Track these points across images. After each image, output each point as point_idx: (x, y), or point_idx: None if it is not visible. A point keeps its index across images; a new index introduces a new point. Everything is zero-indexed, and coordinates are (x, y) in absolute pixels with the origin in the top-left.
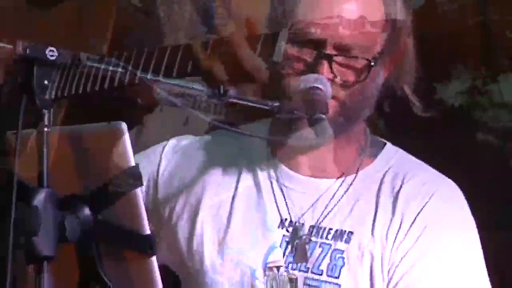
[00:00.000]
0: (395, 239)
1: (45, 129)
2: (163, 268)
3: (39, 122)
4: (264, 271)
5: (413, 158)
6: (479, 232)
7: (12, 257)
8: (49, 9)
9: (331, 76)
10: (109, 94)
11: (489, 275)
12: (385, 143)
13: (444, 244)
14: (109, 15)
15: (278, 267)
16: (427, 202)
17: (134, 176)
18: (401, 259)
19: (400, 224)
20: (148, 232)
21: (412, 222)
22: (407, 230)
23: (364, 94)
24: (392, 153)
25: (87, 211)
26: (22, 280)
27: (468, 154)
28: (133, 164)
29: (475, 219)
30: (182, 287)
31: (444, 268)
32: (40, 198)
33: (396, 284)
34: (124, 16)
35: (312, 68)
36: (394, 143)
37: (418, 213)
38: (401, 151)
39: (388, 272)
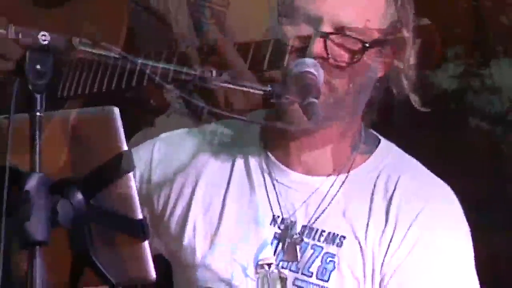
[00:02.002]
0: (389, 247)
1: (37, 113)
2: (156, 257)
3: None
4: (256, 268)
5: (408, 157)
6: (473, 219)
7: (4, 242)
8: (59, 7)
9: (325, 54)
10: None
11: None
12: (380, 140)
13: (438, 254)
14: (122, 16)
15: (269, 265)
16: (421, 210)
17: (126, 160)
18: (395, 270)
19: (394, 232)
20: (140, 216)
21: (407, 231)
22: (402, 239)
23: (355, 81)
24: (386, 152)
25: (79, 195)
26: (16, 266)
27: (460, 139)
28: (125, 148)
29: (467, 204)
30: (173, 278)
31: (438, 279)
32: (32, 183)
33: None
34: (136, 17)
35: (307, 45)
36: (385, 129)
37: (412, 221)
38: (395, 149)
39: (380, 282)
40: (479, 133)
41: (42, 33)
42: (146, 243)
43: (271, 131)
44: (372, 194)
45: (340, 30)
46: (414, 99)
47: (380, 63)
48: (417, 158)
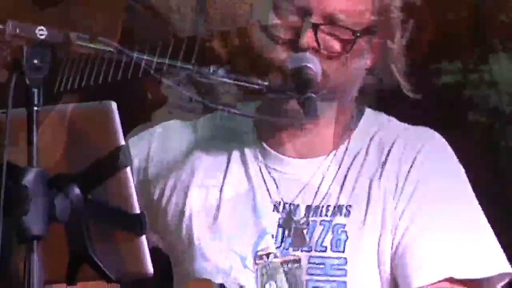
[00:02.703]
0: (394, 198)
1: (35, 108)
2: (154, 251)
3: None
4: (254, 259)
5: (392, 119)
6: None
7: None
8: (54, 7)
9: (316, 45)
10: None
11: None
12: (364, 109)
13: (439, 194)
14: (118, 14)
15: (268, 255)
16: (415, 157)
17: (124, 155)
18: (401, 216)
19: (396, 183)
20: (138, 211)
21: (405, 180)
22: (402, 188)
23: (348, 69)
24: (372, 117)
25: (77, 190)
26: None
27: (459, 133)
28: (123, 143)
29: None
30: (173, 270)
31: (441, 219)
32: (29, 178)
33: (400, 241)
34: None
35: (297, 36)
36: None
37: (409, 170)
38: (379, 113)
39: (391, 232)
40: (478, 128)
41: (39, 27)
42: (143, 238)
43: (265, 121)
44: (369, 155)
45: (330, 20)
46: (404, 84)
47: (370, 47)
48: None
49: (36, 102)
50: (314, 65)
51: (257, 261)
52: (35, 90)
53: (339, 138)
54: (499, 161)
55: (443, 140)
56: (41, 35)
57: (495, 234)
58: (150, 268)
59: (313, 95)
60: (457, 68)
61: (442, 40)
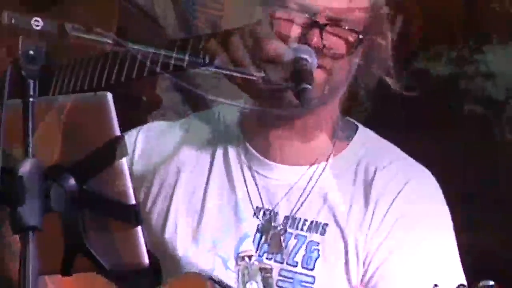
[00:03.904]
0: (369, 229)
1: (30, 99)
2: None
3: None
4: (236, 261)
5: (386, 142)
6: (467, 202)
7: None
8: (48, 10)
9: (320, 45)
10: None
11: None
12: (357, 127)
13: (417, 233)
14: (112, 15)
15: (249, 257)
16: (399, 192)
17: (119, 146)
18: (376, 250)
19: (373, 214)
20: (133, 202)
21: (386, 212)
22: (381, 220)
23: (349, 68)
24: (365, 138)
25: (72, 181)
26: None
27: (454, 124)
28: (118, 134)
29: (460, 190)
30: (161, 264)
31: (418, 257)
32: (25, 169)
33: (372, 275)
34: (126, 16)
35: (303, 34)
36: (380, 115)
37: (391, 203)
38: (374, 135)
39: (364, 263)
40: (474, 118)
41: (35, 18)
42: (139, 229)
43: (251, 122)
44: (354, 181)
45: (334, 21)
46: (390, 82)
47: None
48: (410, 145)
49: (31, 93)
50: (310, 57)
51: (238, 262)
52: (31, 81)
53: (326, 149)
54: (494, 152)
55: (432, 178)
56: (36, 26)
57: (486, 222)
58: (146, 259)
59: (308, 86)
60: (453, 59)
61: (435, 30)
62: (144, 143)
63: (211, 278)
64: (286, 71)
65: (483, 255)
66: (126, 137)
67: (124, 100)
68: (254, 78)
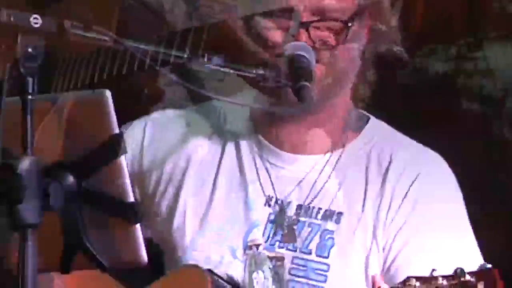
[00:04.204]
0: (387, 216)
1: (29, 96)
2: (147, 241)
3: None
4: (244, 250)
5: (398, 133)
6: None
7: None
8: (48, 7)
9: (310, 43)
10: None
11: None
12: (369, 117)
13: (434, 218)
14: (112, 12)
15: (257, 245)
16: (416, 177)
17: (118, 143)
18: (395, 236)
19: (391, 201)
20: (132, 199)
21: (403, 198)
22: (399, 206)
23: (349, 56)
24: (377, 127)
25: (71, 178)
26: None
27: (452, 121)
28: (117, 131)
29: (460, 185)
30: (165, 258)
31: (436, 242)
32: (24, 166)
33: (393, 260)
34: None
35: (291, 39)
36: (379, 111)
37: (408, 189)
38: (385, 124)
39: (383, 249)
40: (472, 115)
41: (33, 16)
42: (138, 227)
43: (261, 112)
44: (367, 167)
45: (320, 14)
46: (397, 50)
47: (362, 30)
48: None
49: (30, 90)
50: (309, 54)
51: (246, 251)
52: (30, 79)
53: (338, 138)
54: (492, 149)
55: (446, 164)
56: (35, 23)
57: (487, 222)
58: (145, 257)
59: (307, 83)
60: (450, 55)
61: (435, 27)
62: (154, 131)
63: (210, 270)
64: (285, 68)
65: (483, 254)
66: (136, 124)
67: (125, 92)
68: (254, 75)
